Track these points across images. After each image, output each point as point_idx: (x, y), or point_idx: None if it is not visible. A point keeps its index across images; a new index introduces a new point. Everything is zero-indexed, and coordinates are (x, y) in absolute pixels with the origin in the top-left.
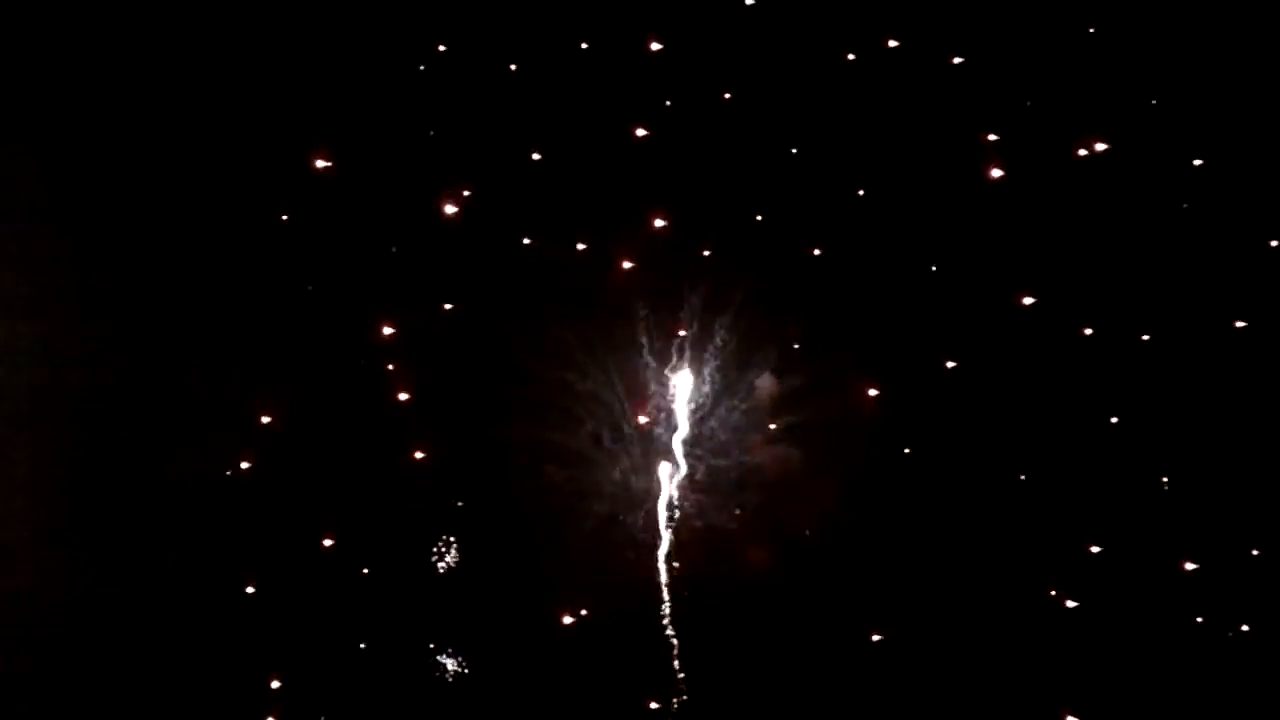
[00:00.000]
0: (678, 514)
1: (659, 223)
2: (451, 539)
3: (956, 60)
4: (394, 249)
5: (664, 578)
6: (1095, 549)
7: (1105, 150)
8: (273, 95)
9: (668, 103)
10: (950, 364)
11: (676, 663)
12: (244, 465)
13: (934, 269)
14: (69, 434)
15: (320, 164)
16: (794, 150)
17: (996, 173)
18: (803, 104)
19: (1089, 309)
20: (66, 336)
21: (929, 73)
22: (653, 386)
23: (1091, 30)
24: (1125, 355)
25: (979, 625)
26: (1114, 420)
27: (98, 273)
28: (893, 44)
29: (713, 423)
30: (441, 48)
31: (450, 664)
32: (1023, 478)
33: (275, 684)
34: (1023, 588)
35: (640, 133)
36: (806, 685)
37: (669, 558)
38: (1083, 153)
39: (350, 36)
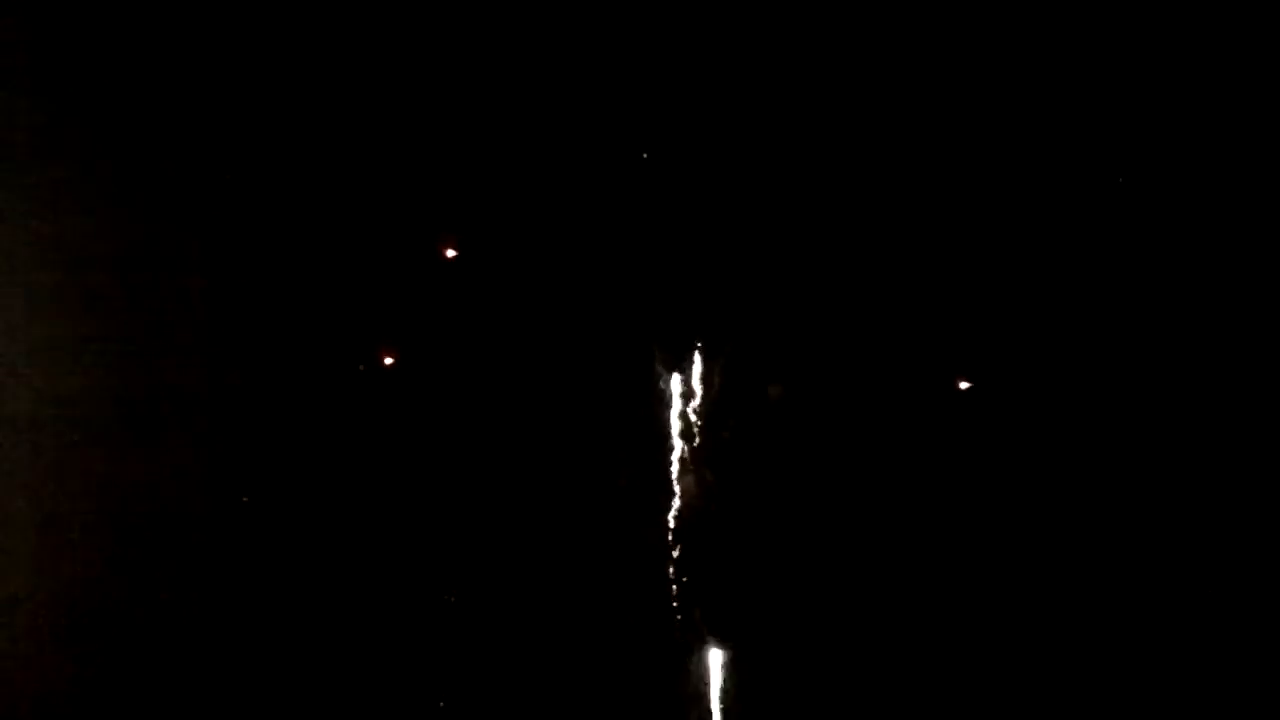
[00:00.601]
0: (688, 523)
1: (666, 232)
2: (456, 553)
3: (978, 71)
4: (398, 267)
5: (674, 587)
6: (1108, 564)
7: (1127, 162)
8: (273, 99)
9: (672, 118)
10: (964, 373)
11: (686, 672)
12: (246, 470)
13: (950, 279)
14: (69, 436)
15: (325, 168)
16: (803, 160)
17: (1013, 181)
18: (815, 114)
19: (1108, 324)
20: (69, 337)
21: (948, 79)
22: (663, 396)
23: (1115, 39)
24: (1146, 372)
25: (995, 635)
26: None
27: (98, 273)
28: (908, 52)
29: (724, 432)
30: (439, 53)
31: (454, 678)
32: (1036, 490)
33: (277, 689)
34: (1037, 603)
35: (644, 146)
36: (817, 692)
37: (678, 566)
38: (1104, 166)
39: (355, 46)
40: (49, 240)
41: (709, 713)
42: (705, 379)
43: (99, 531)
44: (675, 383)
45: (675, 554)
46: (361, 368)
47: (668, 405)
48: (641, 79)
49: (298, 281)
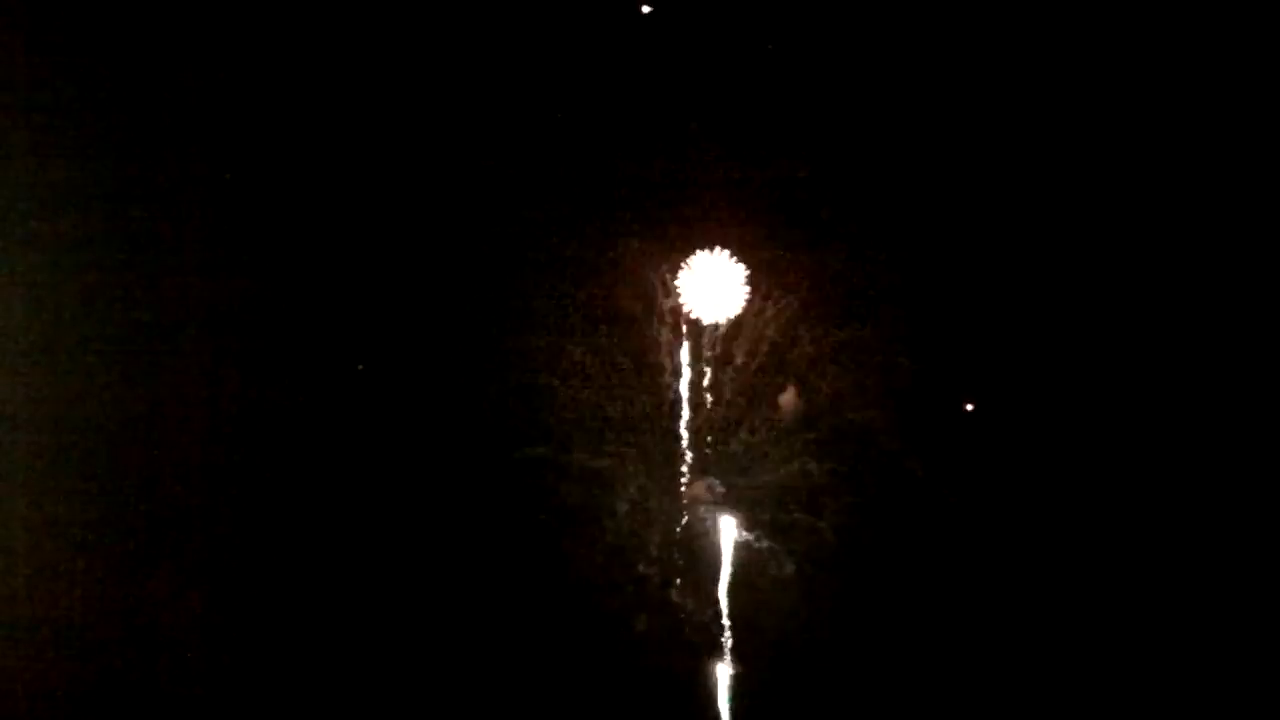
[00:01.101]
0: (697, 530)
1: (676, 236)
2: (461, 561)
3: (992, 73)
4: (400, 270)
5: (679, 595)
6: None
7: (1138, 164)
8: (273, 100)
9: (682, 114)
10: (975, 383)
11: (692, 679)
12: (246, 470)
13: (965, 290)
14: (69, 436)
15: (326, 164)
16: (811, 162)
17: (1023, 186)
18: (825, 116)
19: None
20: (69, 337)
21: (965, 82)
22: (673, 404)
23: (1126, 40)
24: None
25: (1004, 641)
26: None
27: (98, 273)
28: (922, 52)
29: (734, 442)
30: (436, 54)
31: (458, 685)
32: (1055, 505)
33: (275, 691)
34: (1044, 613)
35: (653, 143)
36: (823, 698)
37: (685, 575)
38: (1113, 169)
39: (353, 47)
40: (49, 240)
41: (718, 717)
42: (714, 388)
43: (99, 531)
44: (684, 390)
45: (683, 562)
46: (360, 368)
47: (677, 414)
48: (652, 83)
49: (298, 281)
